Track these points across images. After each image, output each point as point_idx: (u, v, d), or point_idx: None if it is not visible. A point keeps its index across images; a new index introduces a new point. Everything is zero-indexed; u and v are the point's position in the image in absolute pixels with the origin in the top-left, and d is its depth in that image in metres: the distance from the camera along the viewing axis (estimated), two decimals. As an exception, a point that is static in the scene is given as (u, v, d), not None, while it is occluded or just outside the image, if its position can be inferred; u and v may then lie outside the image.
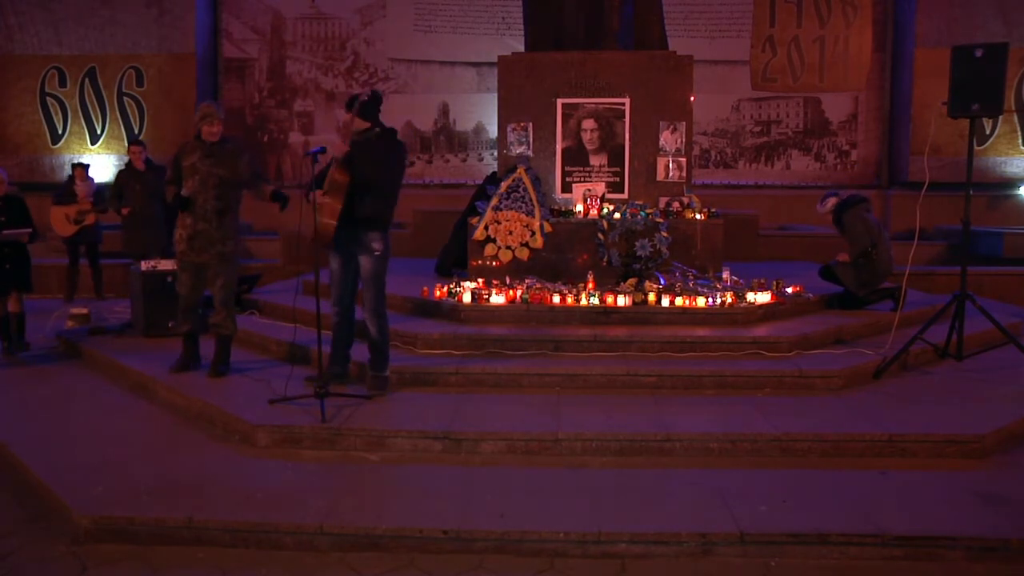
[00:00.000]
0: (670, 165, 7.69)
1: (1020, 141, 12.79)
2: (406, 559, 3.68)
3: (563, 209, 7.53)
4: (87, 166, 9.60)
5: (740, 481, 4.28)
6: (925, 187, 6.37)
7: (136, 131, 13.38)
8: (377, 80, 13.90)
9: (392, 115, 13.72)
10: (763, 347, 5.93)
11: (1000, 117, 10.39)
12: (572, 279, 6.99)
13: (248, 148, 5.99)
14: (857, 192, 7.45)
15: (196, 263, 5.78)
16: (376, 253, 5.27)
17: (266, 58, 14.02)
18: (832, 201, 7.16)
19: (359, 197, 5.12)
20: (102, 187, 9.68)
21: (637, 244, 6.85)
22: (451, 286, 6.76)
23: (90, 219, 9.13)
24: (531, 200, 7.27)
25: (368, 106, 5.33)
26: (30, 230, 6.85)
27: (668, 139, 7.68)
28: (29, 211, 7.03)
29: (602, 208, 7.39)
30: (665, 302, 6.44)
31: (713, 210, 7.54)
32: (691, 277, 7.04)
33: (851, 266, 6.95)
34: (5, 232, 6.65)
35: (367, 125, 5.33)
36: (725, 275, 7.08)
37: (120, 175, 8.95)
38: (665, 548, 3.70)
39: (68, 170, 13.31)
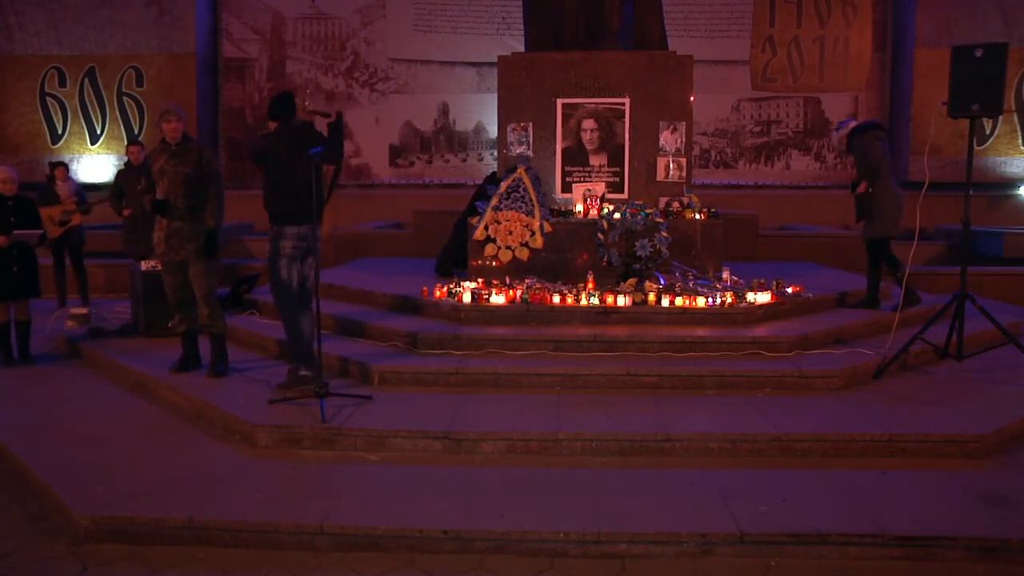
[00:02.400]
0: (670, 165, 7.69)
1: (1020, 141, 12.79)
2: (406, 559, 3.68)
3: (563, 209, 7.53)
4: (67, 165, 9.29)
5: (740, 481, 4.28)
6: (925, 187, 6.37)
7: (136, 131, 13.39)
8: (377, 80, 13.91)
9: (392, 115, 13.93)
10: (763, 347, 5.93)
11: (1000, 117, 10.41)
12: (572, 279, 6.99)
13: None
14: (874, 119, 7.61)
15: (176, 261, 5.87)
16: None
17: (266, 58, 14.02)
18: (851, 125, 7.33)
19: None
20: (84, 187, 9.50)
21: (637, 244, 6.84)
22: (451, 286, 6.76)
23: (76, 219, 8.78)
24: (531, 200, 7.27)
25: (272, 107, 5.56)
26: (41, 232, 6.72)
27: (668, 139, 7.68)
28: (39, 212, 6.97)
29: (602, 208, 7.39)
30: (665, 302, 6.44)
31: (713, 210, 7.54)
32: (691, 277, 7.04)
33: (860, 199, 7.11)
34: (17, 232, 6.52)
35: (274, 125, 5.55)
36: (725, 275, 7.08)
37: (120, 175, 8.92)
38: (665, 548, 3.70)
39: (74, 170, 13.35)
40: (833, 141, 7.52)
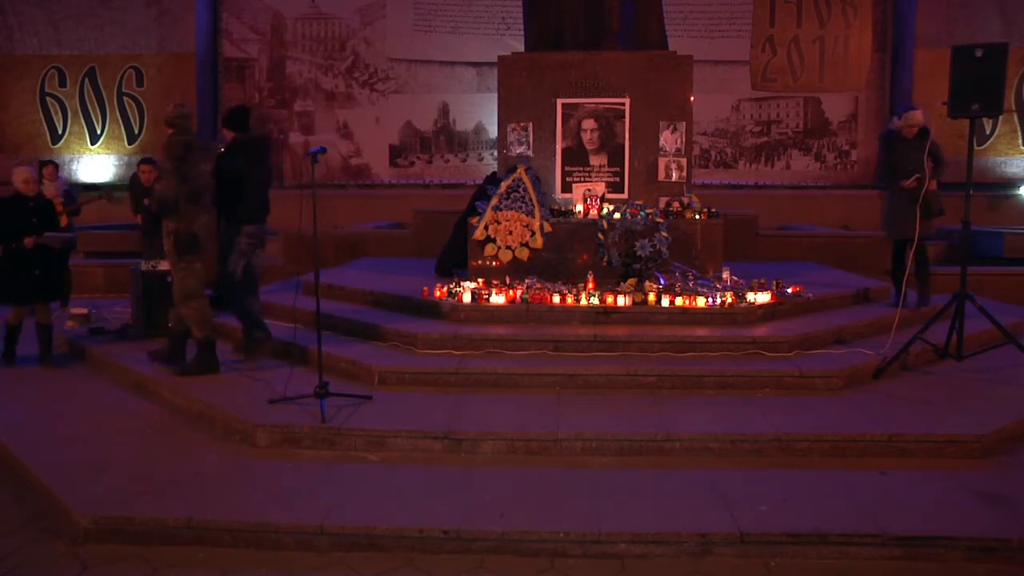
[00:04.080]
0: (670, 165, 7.69)
1: (1020, 141, 12.79)
2: (406, 559, 3.69)
3: (563, 209, 7.53)
4: (56, 164, 9.09)
5: (740, 481, 4.28)
6: (925, 187, 6.37)
7: (136, 131, 13.40)
8: (377, 80, 13.91)
9: (392, 115, 13.93)
10: (763, 347, 5.93)
11: (1000, 117, 10.40)
12: (572, 279, 6.99)
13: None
14: None
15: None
16: None
17: (266, 58, 14.02)
18: (921, 119, 6.87)
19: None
20: (81, 187, 9.39)
21: (637, 244, 6.84)
22: (451, 286, 6.76)
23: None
24: (531, 200, 7.27)
25: (229, 120, 6.16)
26: (69, 236, 6.63)
27: (668, 139, 7.68)
28: (57, 214, 6.90)
29: (602, 208, 7.39)
30: (665, 302, 6.44)
31: (713, 210, 7.53)
32: (691, 277, 7.04)
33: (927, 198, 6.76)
34: (47, 235, 6.40)
35: (231, 135, 6.12)
36: (725, 275, 7.08)
37: (133, 183, 8.86)
38: (665, 548, 3.70)
39: (74, 170, 13.33)
40: (898, 121, 6.91)
